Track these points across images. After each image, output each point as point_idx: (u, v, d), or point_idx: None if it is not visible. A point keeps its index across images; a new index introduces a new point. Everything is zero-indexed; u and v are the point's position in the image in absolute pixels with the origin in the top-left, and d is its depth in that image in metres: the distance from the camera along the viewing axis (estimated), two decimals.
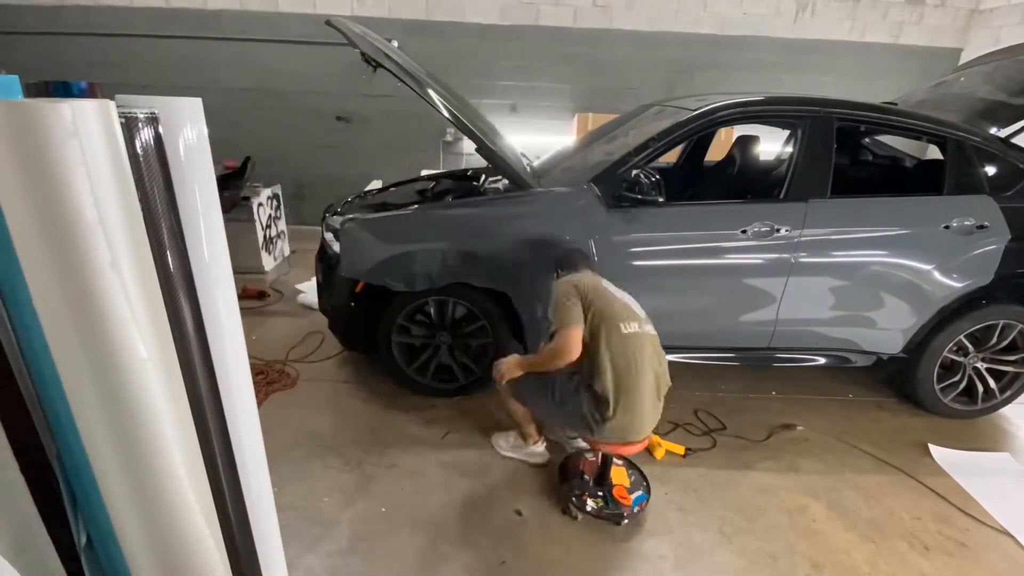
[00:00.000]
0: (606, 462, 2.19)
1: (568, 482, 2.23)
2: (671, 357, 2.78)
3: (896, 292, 2.64)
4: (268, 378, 2.95)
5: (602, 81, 5.32)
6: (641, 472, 2.31)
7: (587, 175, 2.62)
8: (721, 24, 5.13)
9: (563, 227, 2.52)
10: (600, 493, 2.16)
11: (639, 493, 2.17)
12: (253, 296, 3.98)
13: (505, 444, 2.46)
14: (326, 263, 2.90)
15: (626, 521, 2.08)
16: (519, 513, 2.13)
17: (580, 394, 1.97)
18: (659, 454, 2.51)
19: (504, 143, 2.87)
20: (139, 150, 0.82)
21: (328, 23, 2.41)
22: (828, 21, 5.16)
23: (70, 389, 0.80)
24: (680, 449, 2.53)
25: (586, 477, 2.23)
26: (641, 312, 2.03)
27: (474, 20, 5.08)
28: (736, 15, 5.11)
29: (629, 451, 2.06)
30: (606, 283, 2.09)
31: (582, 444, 2.40)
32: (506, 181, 2.82)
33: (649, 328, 1.99)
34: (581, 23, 5.11)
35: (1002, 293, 2.65)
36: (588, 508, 2.11)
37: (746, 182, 3.39)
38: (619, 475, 2.23)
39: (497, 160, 2.53)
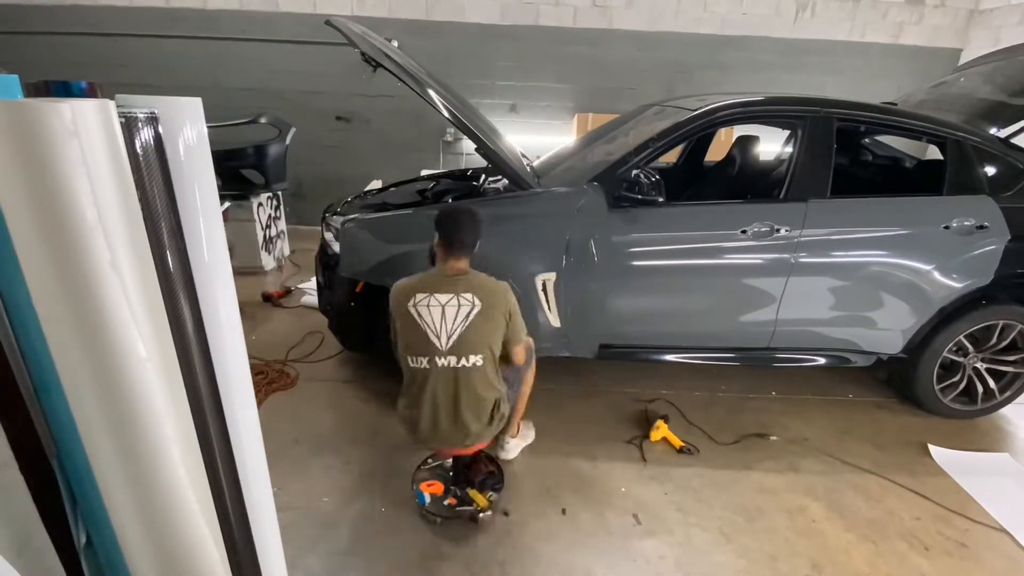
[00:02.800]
0: (456, 459, 2.17)
1: (420, 473, 2.26)
2: (671, 357, 2.80)
3: (896, 292, 2.64)
4: (268, 378, 2.95)
5: (602, 81, 5.32)
6: (499, 468, 2.28)
7: (587, 175, 2.62)
8: (721, 24, 5.13)
9: (563, 227, 2.52)
10: (454, 488, 2.16)
11: (492, 493, 2.15)
12: (281, 296, 4.06)
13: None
14: (326, 263, 2.90)
15: (483, 514, 2.05)
16: (506, 514, 2.13)
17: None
18: (655, 436, 2.54)
19: (504, 143, 2.87)
20: (139, 150, 0.81)
21: (328, 23, 2.41)
22: (828, 21, 5.16)
23: (70, 389, 0.80)
24: (677, 442, 2.53)
25: (443, 465, 2.26)
26: (447, 343, 1.85)
27: (474, 20, 5.08)
28: (736, 15, 5.11)
29: (452, 453, 2.06)
30: (426, 301, 1.85)
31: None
32: (506, 181, 2.82)
33: (447, 360, 1.85)
34: (581, 23, 5.11)
35: (1002, 293, 2.65)
36: (443, 509, 2.09)
37: (746, 182, 3.39)
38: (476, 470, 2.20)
39: (497, 160, 2.53)
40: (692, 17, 5.11)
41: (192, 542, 0.94)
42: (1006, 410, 2.94)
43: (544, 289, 2.55)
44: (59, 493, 0.88)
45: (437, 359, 1.85)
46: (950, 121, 2.74)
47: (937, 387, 2.81)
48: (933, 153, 3.33)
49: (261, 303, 3.92)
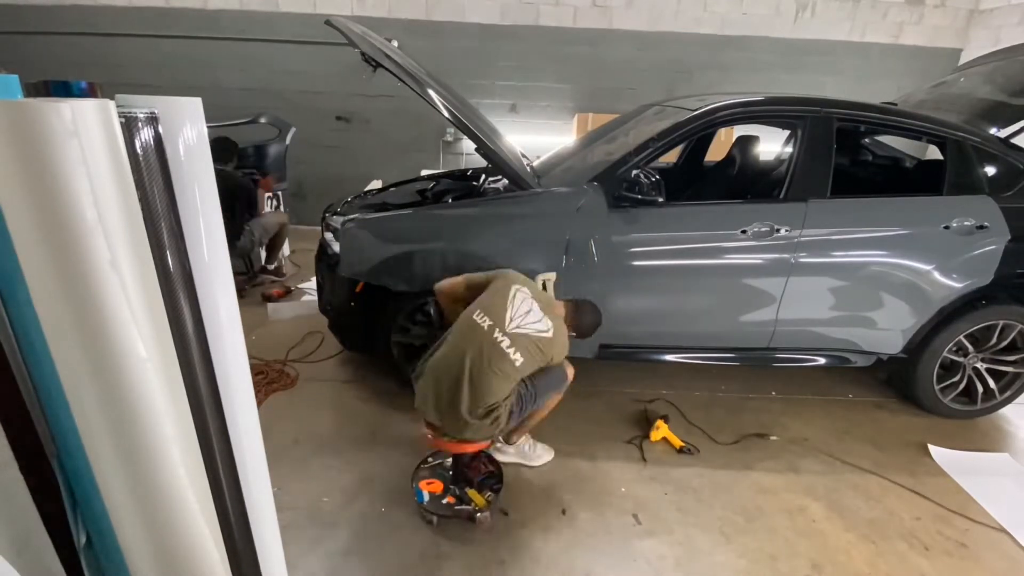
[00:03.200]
0: (456, 459, 2.16)
1: (421, 471, 2.25)
2: (671, 357, 2.80)
3: (896, 292, 2.64)
4: (268, 378, 2.95)
5: (602, 81, 5.32)
6: (499, 468, 2.28)
7: (587, 175, 2.62)
8: (721, 24, 5.14)
9: (563, 227, 2.52)
10: (453, 486, 2.16)
11: (489, 493, 2.14)
12: (281, 296, 4.05)
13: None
14: (326, 263, 2.90)
15: (480, 515, 2.04)
16: (505, 513, 2.13)
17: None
18: (655, 436, 2.54)
19: (504, 143, 2.87)
20: (139, 150, 0.81)
21: (328, 23, 2.41)
22: (828, 21, 5.16)
23: (70, 389, 0.80)
24: (677, 442, 2.53)
25: (444, 464, 2.25)
26: (512, 326, 1.99)
27: (474, 20, 5.09)
28: (736, 15, 5.11)
29: (445, 446, 2.05)
30: (524, 297, 2.07)
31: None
32: (506, 181, 2.82)
33: (501, 337, 1.96)
34: (581, 23, 5.11)
35: (1002, 293, 2.65)
36: (441, 508, 2.08)
37: (746, 182, 3.39)
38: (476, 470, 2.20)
39: (497, 160, 2.53)
40: (692, 17, 5.11)
41: (192, 542, 0.94)
42: (1006, 410, 2.94)
43: (544, 289, 2.55)
44: (59, 493, 0.88)
45: (496, 330, 1.97)
46: (950, 121, 2.74)
47: (937, 387, 2.81)
48: (933, 153, 3.33)
49: (261, 303, 3.92)
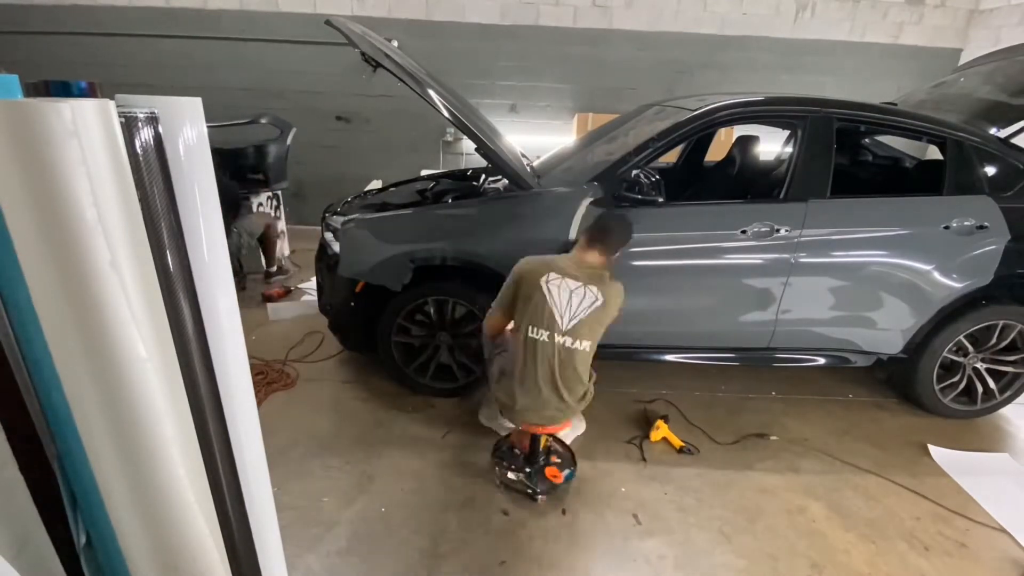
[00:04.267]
0: (534, 440, 2.26)
1: (497, 453, 2.36)
2: (671, 357, 2.80)
3: (896, 292, 2.64)
4: (268, 378, 2.95)
5: (602, 81, 5.32)
6: (571, 452, 2.41)
7: (587, 175, 2.62)
8: (721, 24, 5.13)
9: (563, 227, 2.52)
10: (528, 469, 2.27)
11: (568, 471, 2.28)
12: (281, 296, 4.07)
13: (485, 415, 2.58)
14: (326, 263, 2.90)
15: (541, 496, 2.19)
16: (505, 513, 2.13)
17: (497, 369, 2.19)
18: (655, 436, 2.54)
19: (504, 143, 2.87)
20: (139, 150, 0.81)
21: (328, 23, 2.41)
22: (828, 21, 5.16)
23: (70, 389, 0.79)
24: (677, 442, 2.54)
25: (516, 450, 2.34)
26: (567, 324, 1.99)
27: (474, 20, 5.08)
28: (736, 15, 5.11)
29: (537, 430, 2.19)
30: (558, 282, 1.99)
31: (509, 425, 2.46)
32: (506, 181, 2.82)
33: (564, 340, 2.00)
34: (581, 23, 5.11)
35: (1001, 293, 2.65)
36: (509, 477, 2.23)
37: (746, 182, 3.39)
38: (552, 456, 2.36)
39: (497, 160, 2.53)
40: (692, 17, 5.11)
41: (192, 542, 0.94)
42: (1006, 410, 2.94)
43: None
44: (59, 493, 0.88)
45: (556, 336, 2.00)
46: (950, 121, 2.74)
47: (937, 387, 2.81)
48: (933, 153, 3.33)
49: (261, 303, 3.92)
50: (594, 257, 2.04)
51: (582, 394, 2.13)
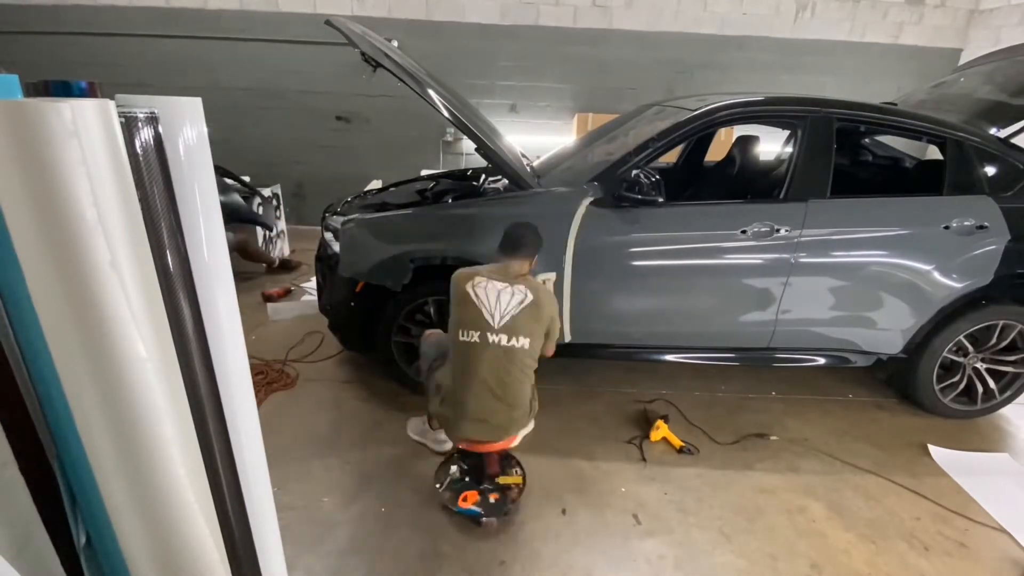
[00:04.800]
0: (479, 460, 2.16)
1: (441, 476, 2.21)
2: (671, 357, 2.80)
3: (896, 292, 2.64)
4: (268, 378, 2.95)
5: (602, 81, 5.32)
6: (521, 467, 2.26)
7: (587, 175, 2.62)
8: (721, 24, 5.14)
9: (563, 227, 2.52)
10: (489, 488, 2.13)
11: (515, 470, 2.20)
12: (281, 296, 4.06)
13: (414, 428, 2.54)
14: (326, 263, 2.90)
15: (487, 520, 2.04)
16: (505, 513, 2.12)
17: (435, 384, 2.13)
18: (655, 436, 2.54)
19: (504, 143, 2.87)
20: (139, 150, 0.82)
21: (328, 23, 2.41)
22: (828, 21, 5.16)
23: (70, 389, 0.80)
24: (677, 442, 2.54)
25: (457, 473, 2.21)
26: (499, 322, 1.96)
27: (474, 20, 5.09)
28: (736, 15, 5.11)
29: (479, 448, 2.08)
30: (484, 284, 1.98)
31: (442, 439, 2.41)
32: (506, 181, 2.82)
33: (499, 338, 1.96)
34: (581, 23, 5.11)
35: (1001, 293, 2.65)
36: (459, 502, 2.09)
37: (746, 182, 3.39)
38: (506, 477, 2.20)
39: (497, 160, 2.53)
40: (692, 17, 5.11)
41: (192, 542, 0.95)
42: (1006, 410, 2.94)
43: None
44: (59, 493, 0.88)
45: (489, 335, 1.97)
46: (950, 121, 2.74)
47: (937, 387, 2.81)
48: (933, 153, 3.33)
49: (261, 303, 3.92)
50: (516, 267, 2.05)
51: (528, 402, 2.06)
